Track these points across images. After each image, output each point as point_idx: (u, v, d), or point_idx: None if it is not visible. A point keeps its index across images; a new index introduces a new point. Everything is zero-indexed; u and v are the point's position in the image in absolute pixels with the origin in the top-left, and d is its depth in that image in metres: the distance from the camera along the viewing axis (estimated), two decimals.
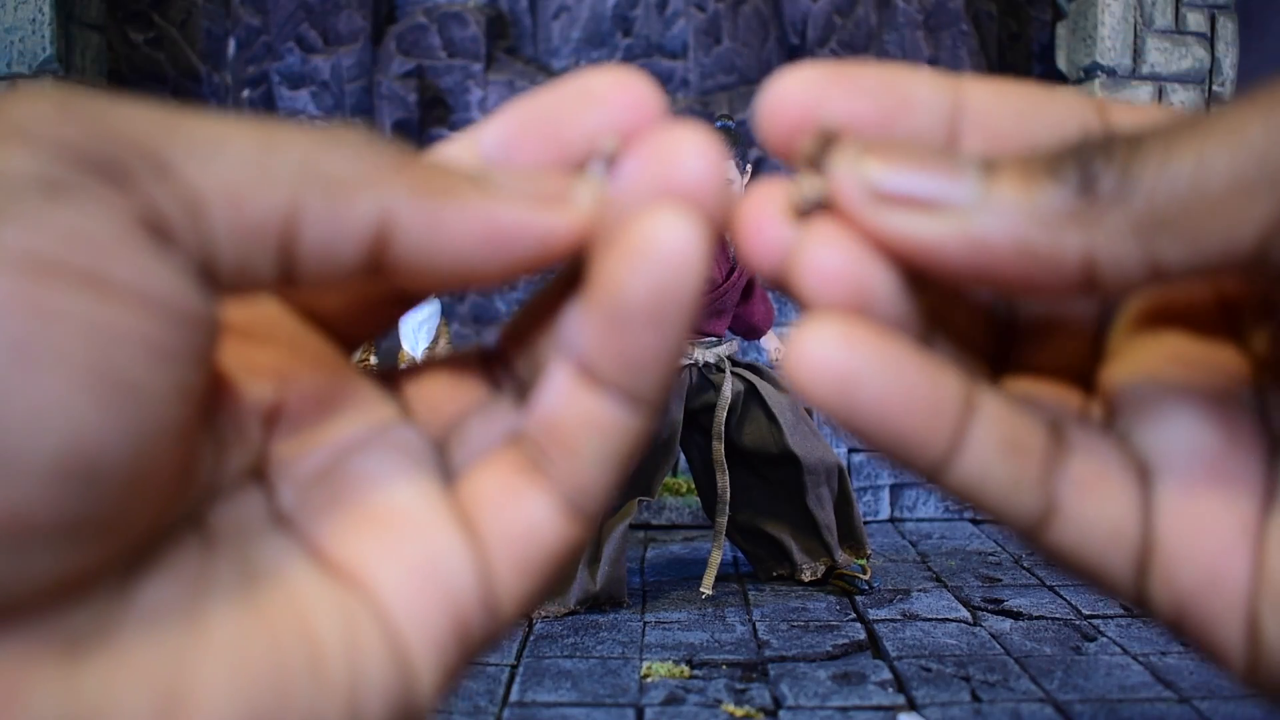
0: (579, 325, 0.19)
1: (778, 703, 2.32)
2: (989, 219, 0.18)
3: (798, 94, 0.20)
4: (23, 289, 0.14)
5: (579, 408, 0.19)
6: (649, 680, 2.44)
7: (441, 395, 0.22)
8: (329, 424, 0.20)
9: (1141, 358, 0.21)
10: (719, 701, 2.32)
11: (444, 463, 0.21)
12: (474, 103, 4.87)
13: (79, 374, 0.15)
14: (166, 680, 0.17)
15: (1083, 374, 0.22)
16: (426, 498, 0.20)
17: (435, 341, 3.41)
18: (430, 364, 0.22)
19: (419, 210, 0.18)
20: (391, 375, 0.22)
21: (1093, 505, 0.20)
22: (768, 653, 2.62)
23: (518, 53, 5.02)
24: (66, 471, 0.15)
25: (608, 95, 0.20)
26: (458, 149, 0.21)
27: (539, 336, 0.22)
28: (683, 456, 3.24)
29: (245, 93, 4.94)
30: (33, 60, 4.34)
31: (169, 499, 0.17)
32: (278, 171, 0.17)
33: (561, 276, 0.22)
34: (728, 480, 3.02)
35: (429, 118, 4.86)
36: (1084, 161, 0.18)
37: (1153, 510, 0.20)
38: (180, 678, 0.17)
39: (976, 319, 0.23)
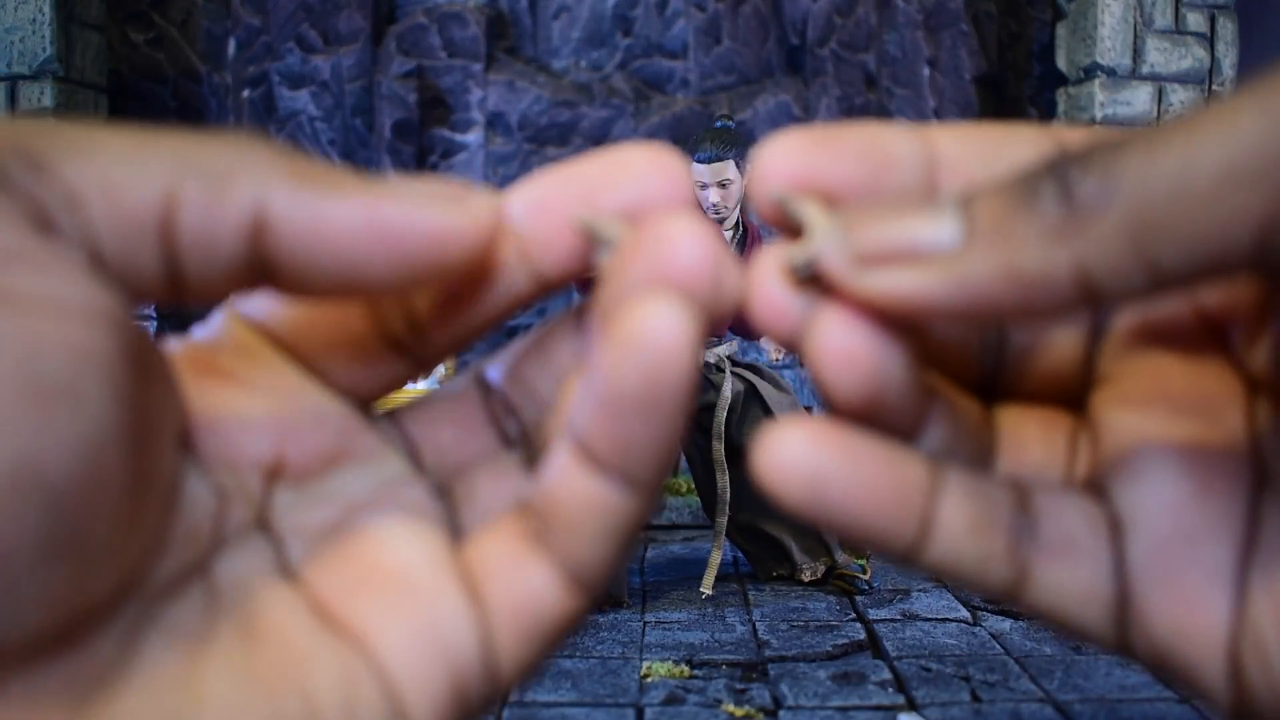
0: (578, 406, 0.19)
1: (778, 703, 2.32)
2: (974, 257, 0.18)
3: (786, 162, 0.20)
4: None
5: (579, 488, 0.19)
6: (649, 680, 2.44)
7: (448, 439, 0.22)
8: (336, 478, 0.21)
9: (1128, 387, 0.21)
10: (719, 701, 2.32)
11: (453, 520, 0.21)
12: (474, 103, 4.87)
13: (11, 389, 0.15)
14: None
15: (1075, 397, 0.22)
16: (433, 560, 0.20)
17: None
18: (435, 401, 0.22)
19: (298, 199, 0.18)
20: (397, 417, 0.22)
21: (1062, 571, 0.20)
22: (768, 653, 2.62)
23: (518, 53, 5.02)
24: (20, 488, 0.15)
25: (638, 171, 0.20)
26: None
27: (538, 378, 0.22)
28: (683, 456, 3.24)
29: (245, 93, 4.93)
30: (33, 60, 4.34)
31: (137, 518, 0.17)
32: (153, 164, 0.17)
33: (560, 317, 0.22)
34: (728, 480, 3.02)
35: (429, 118, 4.86)
36: (1060, 173, 0.17)
37: (1125, 565, 0.20)
38: None
39: (965, 352, 0.22)
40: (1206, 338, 0.21)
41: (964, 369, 0.22)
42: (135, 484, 0.17)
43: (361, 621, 0.19)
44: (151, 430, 0.17)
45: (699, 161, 2.95)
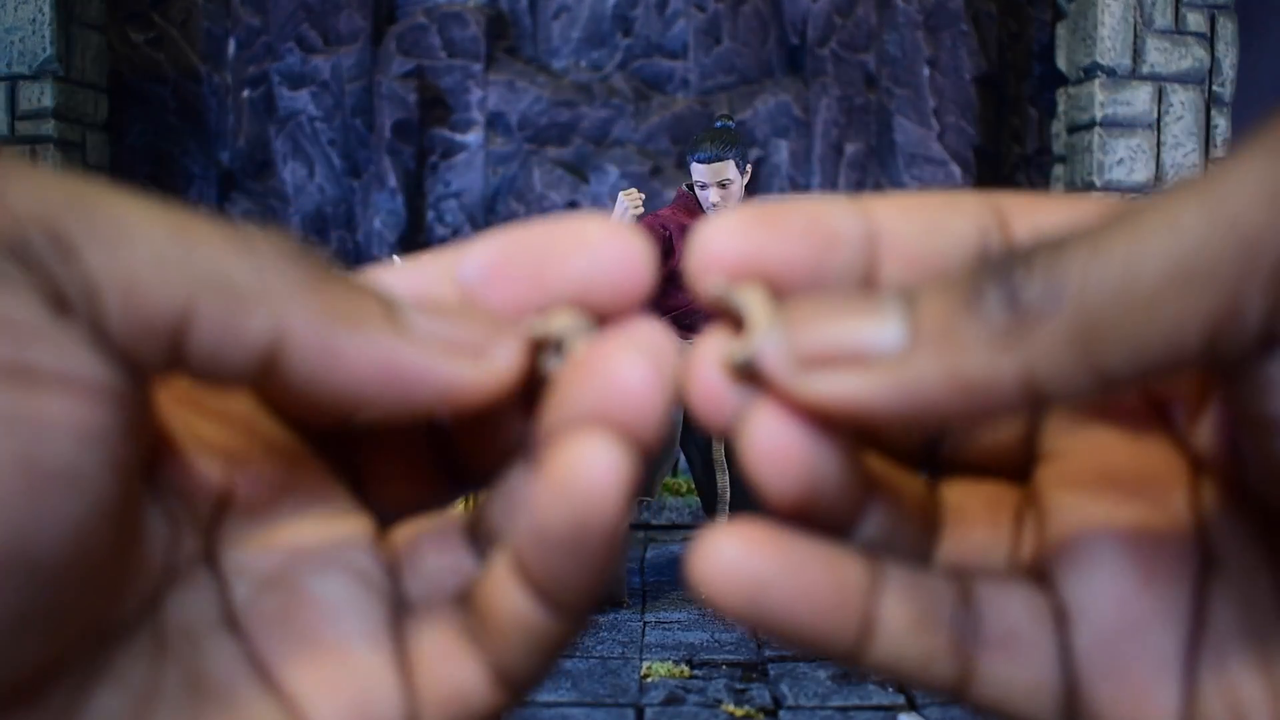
0: (516, 526, 0.18)
1: (778, 703, 2.32)
2: (918, 362, 0.17)
3: (729, 244, 0.19)
4: None
5: (511, 602, 0.19)
6: (649, 680, 2.44)
7: (392, 470, 0.22)
8: (285, 517, 0.20)
9: (1072, 466, 0.21)
10: (719, 701, 2.32)
11: (396, 588, 0.21)
12: (474, 103, 4.87)
13: (10, 469, 0.15)
14: None
15: (1021, 468, 0.22)
16: (372, 637, 0.20)
17: None
18: (386, 437, 0.22)
19: (316, 331, 0.17)
20: (346, 447, 0.22)
21: (1007, 665, 0.19)
22: (768, 652, 2.62)
23: (518, 53, 5.02)
24: (7, 568, 0.15)
25: (595, 245, 0.19)
26: (435, 270, 0.20)
27: (484, 438, 0.21)
28: (683, 456, 3.24)
29: (245, 93, 4.93)
30: (33, 60, 4.34)
31: (115, 577, 0.17)
32: (178, 271, 0.17)
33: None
34: (728, 480, 3.02)
35: (429, 118, 4.86)
36: (1004, 275, 0.17)
37: (1072, 657, 0.19)
38: None
39: (908, 429, 0.22)
40: (1149, 415, 0.21)
41: (906, 445, 0.22)
42: (118, 548, 0.17)
43: (297, 688, 0.19)
44: (135, 486, 0.17)
45: (699, 161, 2.95)
